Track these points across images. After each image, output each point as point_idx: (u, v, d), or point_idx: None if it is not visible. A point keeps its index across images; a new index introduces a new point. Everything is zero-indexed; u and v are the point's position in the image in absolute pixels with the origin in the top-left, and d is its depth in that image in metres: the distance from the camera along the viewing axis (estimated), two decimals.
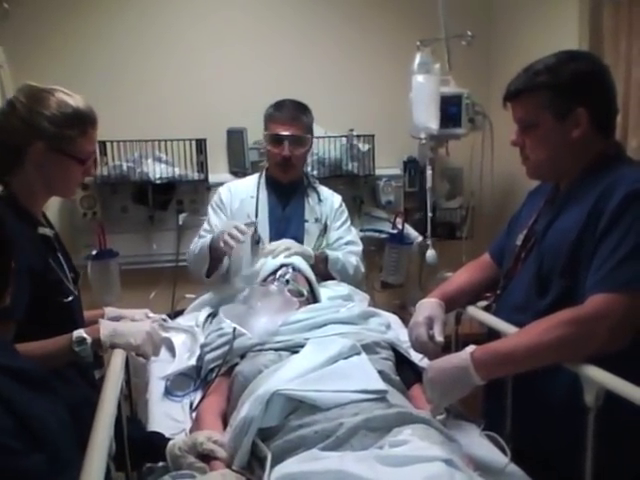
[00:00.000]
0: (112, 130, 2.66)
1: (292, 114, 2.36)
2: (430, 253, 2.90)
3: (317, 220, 2.46)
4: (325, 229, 2.46)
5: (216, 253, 2.23)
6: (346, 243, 2.48)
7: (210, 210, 2.48)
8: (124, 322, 1.66)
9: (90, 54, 2.94)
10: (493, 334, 1.56)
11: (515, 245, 1.64)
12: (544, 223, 1.55)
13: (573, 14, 2.63)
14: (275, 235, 2.36)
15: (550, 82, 1.46)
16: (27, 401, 0.98)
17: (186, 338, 2.03)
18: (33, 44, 2.83)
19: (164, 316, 1.88)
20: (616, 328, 1.31)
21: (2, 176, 1.52)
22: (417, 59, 2.72)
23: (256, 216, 2.39)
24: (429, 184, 2.89)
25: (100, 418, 1.11)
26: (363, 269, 2.52)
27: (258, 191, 2.44)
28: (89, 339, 1.40)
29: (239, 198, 2.45)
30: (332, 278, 2.36)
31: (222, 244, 2.12)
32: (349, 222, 2.58)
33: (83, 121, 1.55)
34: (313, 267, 2.15)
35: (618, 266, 1.32)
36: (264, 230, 2.38)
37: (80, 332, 1.41)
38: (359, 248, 2.53)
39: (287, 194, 2.46)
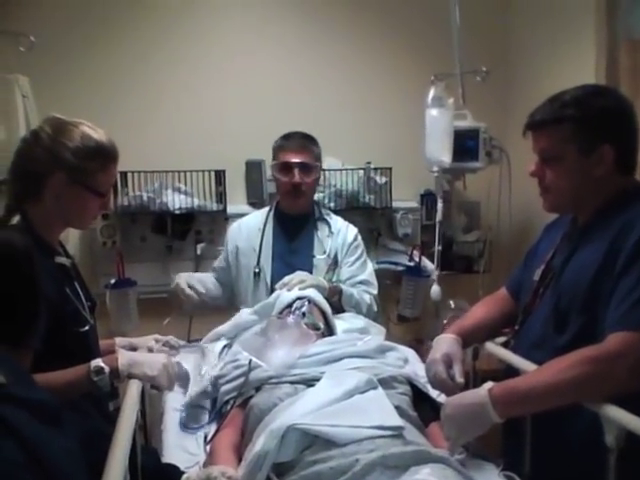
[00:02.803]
0: (133, 161, 2.70)
1: (301, 143, 2.42)
2: (435, 289, 2.87)
3: (326, 254, 2.43)
4: (335, 263, 2.43)
5: None
6: (360, 282, 2.44)
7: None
8: (141, 352, 1.67)
9: (113, 86, 2.99)
10: (511, 371, 1.54)
11: (533, 280, 1.62)
12: (562, 259, 1.54)
13: (590, 50, 2.64)
14: (279, 268, 2.37)
15: (578, 115, 1.44)
16: (41, 436, 0.98)
17: (196, 359, 2.03)
18: (57, 75, 2.90)
19: (172, 337, 1.89)
20: (636, 367, 1.29)
21: (20, 204, 1.54)
22: (431, 93, 2.74)
23: (259, 249, 2.42)
24: (439, 217, 2.87)
25: (116, 448, 1.11)
26: (376, 308, 2.47)
27: (265, 224, 2.47)
28: (107, 369, 1.41)
29: (247, 233, 2.50)
30: (345, 310, 2.34)
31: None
32: (364, 258, 2.52)
33: (105, 155, 1.58)
34: (326, 299, 2.14)
35: (637, 304, 1.31)
36: (267, 263, 2.41)
37: (98, 362, 1.42)
38: (374, 290, 2.47)
39: (296, 227, 2.47)
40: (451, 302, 2.85)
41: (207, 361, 2.00)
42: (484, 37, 3.21)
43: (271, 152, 2.51)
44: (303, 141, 2.43)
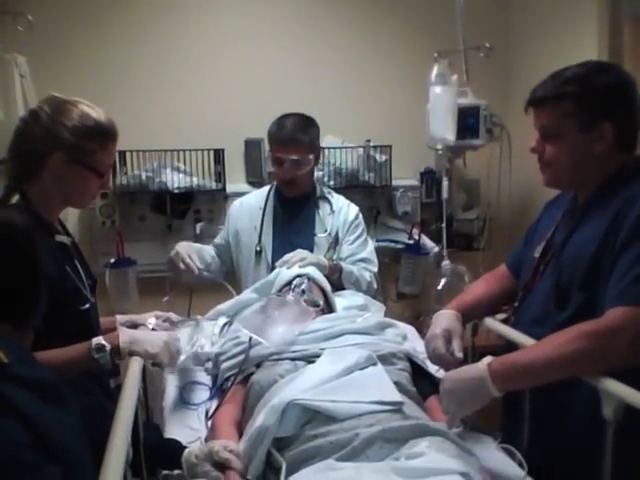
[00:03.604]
0: (131, 140, 2.70)
1: (291, 136, 2.31)
2: (445, 264, 2.89)
3: (327, 232, 2.43)
4: (336, 241, 2.43)
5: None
6: (360, 260, 2.44)
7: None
8: (142, 330, 1.68)
9: (111, 65, 2.98)
10: (511, 347, 1.55)
11: (533, 257, 1.62)
12: (563, 235, 1.54)
13: (592, 27, 2.62)
14: (280, 247, 2.37)
15: (579, 92, 1.44)
16: (43, 414, 0.99)
17: (190, 331, 2.04)
18: (55, 55, 2.88)
19: (172, 314, 1.90)
20: (635, 341, 1.29)
21: (19, 184, 1.54)
22: (434, 70, 2.72)
23: (261, 228, 2.43)
24: (445, 195, 2.88)
25: (118, 425, 1.12)
26: (376, 285, 2.48)
27: (266, 203, 2.48)
28: (108, 346, 1.42)
29: (248, 211, 2.50)
30: (345, 288, 2.35)
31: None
32: (364, 236, 2.52)
33: (104, 134, 1.57)
34: (327, 277, 2.15)
35: (637, 280, 1.31)
36: (268, 241, 2.42)
37: (99, 339, 1.42)
38: (374, 268, 2.47)
39: (297, 206, 2.47)
40: (447, 262, 2.85)
41: (200, 331, 2.01)
42: (486, 14, 3.18)
43: None
44: (293, 133, 2.32)
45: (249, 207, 2.51)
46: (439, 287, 2.75)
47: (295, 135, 2.32)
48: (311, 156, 2.37)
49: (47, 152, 1.51)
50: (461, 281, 2.68)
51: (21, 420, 0.94)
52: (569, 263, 1.47)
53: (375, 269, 2.49)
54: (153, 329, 1.75)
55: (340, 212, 2.48)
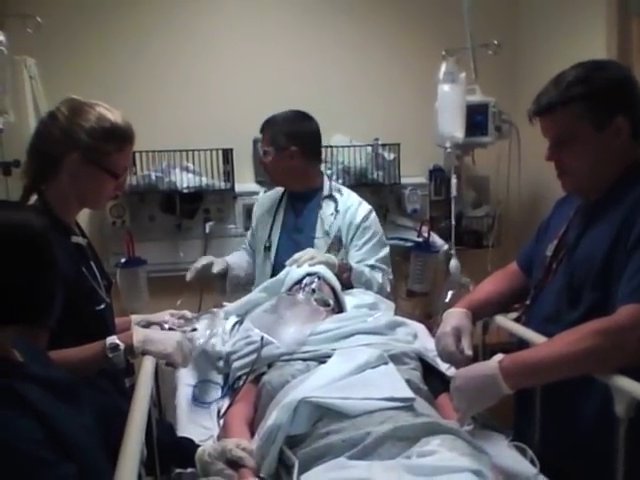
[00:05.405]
0: (141, 140, 2.68)
1: (261, 129, 2.44)
2: (453, 263, 2.88)
3: (326, 233, 2.36)
4: (340, 243, 2.36)
5: None
6: (370, 267, 2.32)
7: None
8: (155, 330, 1.69)
9: (119, 66, 3.00)
10: (524, 345, 1.54)
11: (545, 255, 1.62)
12: (575, 234, 1.53)
13: (600, 24, 2.62)
14: (285, 244, 2.39)
15: (586, 92, 1.43)
16: (58, 412, 1.00)
17: (208, 321, 2.04)
18: (64, 57, 2.90)
19: (186, 312, 1.90)
20: None
21: (37, 185, 1.56)
22: (442, 68, 2.72)
23: (272, 224, 2.46)
24: (454, 193, 2.88)
25: (132, 424, 1.13)
26: (389, 289, 2.37)
27: (281, 199, 2.50)
28: (122, 345, 1.43)
29: (264, 209, 2.53)
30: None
31: None
32: (375, 241, 2.37)
33: (120, 136, 1.59)
34: (337, 276, 2.13)
35: None
36: (275, 238, 2.45)
37: (113, 339, 1.44)
38: (386, 276, 2.36)
39: (303, 204, 2.47)
40: (455, 262, 2.84)
41: (218, 323, 2.00)
42: (493, 11, 3.18)
43: None
44: (262, 126, 2.43)
45: (269, 202, 2.54)
46: (447, 300, 2.75)
47: (263, 127, 2.43)
48: (270, 148, 2.38)
49: (64, 153, 1.53)
50: (466, 292, 2.67)
51: (37, 418, 0.95)
52: (582, 262, 1.46)
53: (387, 275, 2.38)
54: (170, 328, 1.75)
55: (346, 213, 2.38)
